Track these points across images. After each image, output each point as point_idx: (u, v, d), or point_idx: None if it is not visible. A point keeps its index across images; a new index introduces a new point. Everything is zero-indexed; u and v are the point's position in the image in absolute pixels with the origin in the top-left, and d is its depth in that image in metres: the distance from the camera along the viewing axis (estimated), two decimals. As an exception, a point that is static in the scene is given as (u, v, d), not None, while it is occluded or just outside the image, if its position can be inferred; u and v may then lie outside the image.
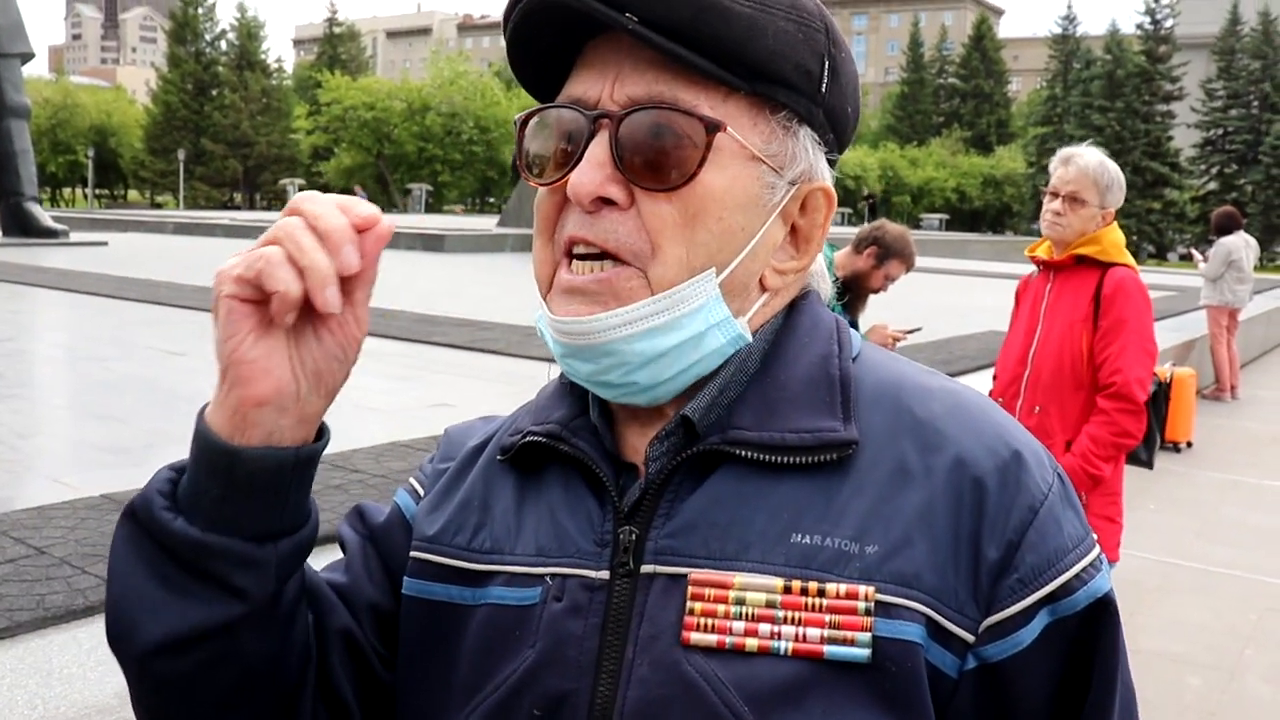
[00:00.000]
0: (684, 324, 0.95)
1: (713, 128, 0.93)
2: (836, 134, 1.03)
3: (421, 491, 1.15)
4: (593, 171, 0.93)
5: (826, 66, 0.98)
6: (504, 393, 7.42)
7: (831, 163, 1.04)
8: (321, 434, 0.96)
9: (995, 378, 4.36)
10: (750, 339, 1.00)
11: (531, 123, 1.01)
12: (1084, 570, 0.93)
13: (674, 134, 0.93)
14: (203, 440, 0.91)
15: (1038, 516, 0.92)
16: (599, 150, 0.94)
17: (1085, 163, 4.04)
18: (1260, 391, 13.55)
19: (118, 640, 0.95)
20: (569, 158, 0.96)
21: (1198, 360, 12.19)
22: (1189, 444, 9.68)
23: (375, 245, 0.89)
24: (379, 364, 8.63)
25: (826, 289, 1.10)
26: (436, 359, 8.93)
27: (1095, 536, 0.97)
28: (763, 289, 1.01)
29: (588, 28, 0.95)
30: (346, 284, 0.88)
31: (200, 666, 0.94)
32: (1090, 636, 0.93)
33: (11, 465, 5.27)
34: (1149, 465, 4.41)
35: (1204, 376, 12.36)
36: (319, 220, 0.86)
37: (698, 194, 0.94)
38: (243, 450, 0.90)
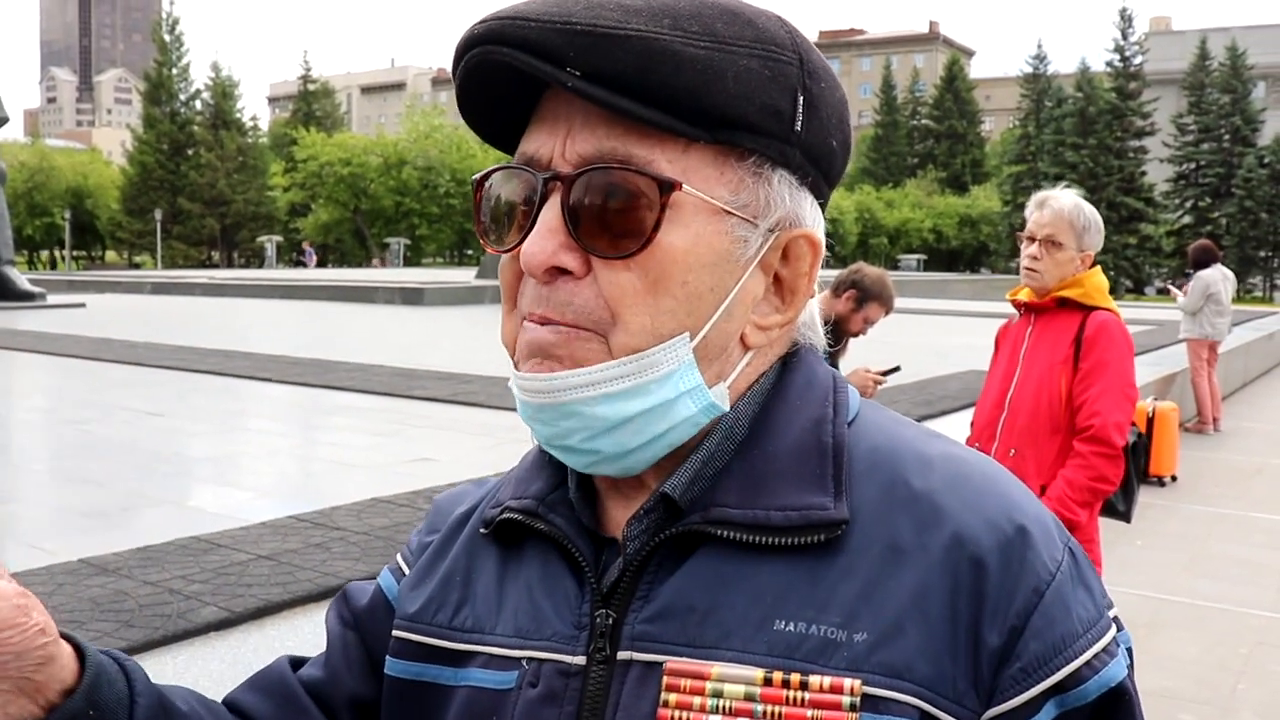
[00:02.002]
0: (651, 390, 0.88)
1: (667, 187, 0.86)
2: (822, 171, 0.95)
3: (406, 569, 1.11)
4: (544, 240, 0.87)
5: (801, 101, 0.90)
6: (486, 445, 7.38)
7: (822, 203, 0.97)
8: (84, 665, 0.89)
9: (972, 423, 4.33)
10: (727, 409, 0.93)
11: (488, 184, 0.95)
12: (1095, 657, 0.86)
13: (628, 195, 0.86)
14: None
15: (1043, 599, 0.85)
16: (551, 216, 0.87)
17: (1060, 205, 4.00)
18: (1243, 423, 13.58)
19: None
20: (525, 221, 0.89)
21: (1179, 394, 12.23)
22: (1174, 478, 9.66)
23: None
24: (359, 420, 8.58)
25: (819, 339, 1.02)
26: (417, 413, 8.87)
27: (1111, 616, 0.90)
28: (745, 348, 0.95)
29: (538, 80, 0.89)
30: None
31: None
32: None
33: (-13, 533, 5.20)
34: (1126, 519, 4.29)
35: (1186, 410, 12.39)
36: None
37: (657, 258, 0.87)
38: None
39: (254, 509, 5.40)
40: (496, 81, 0.90)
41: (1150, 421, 9.25)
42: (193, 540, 4.51)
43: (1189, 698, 5.17)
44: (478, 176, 0.95)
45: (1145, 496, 4.53)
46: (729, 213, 0.90)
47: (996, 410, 4.12)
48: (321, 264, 73.19)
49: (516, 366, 0.93)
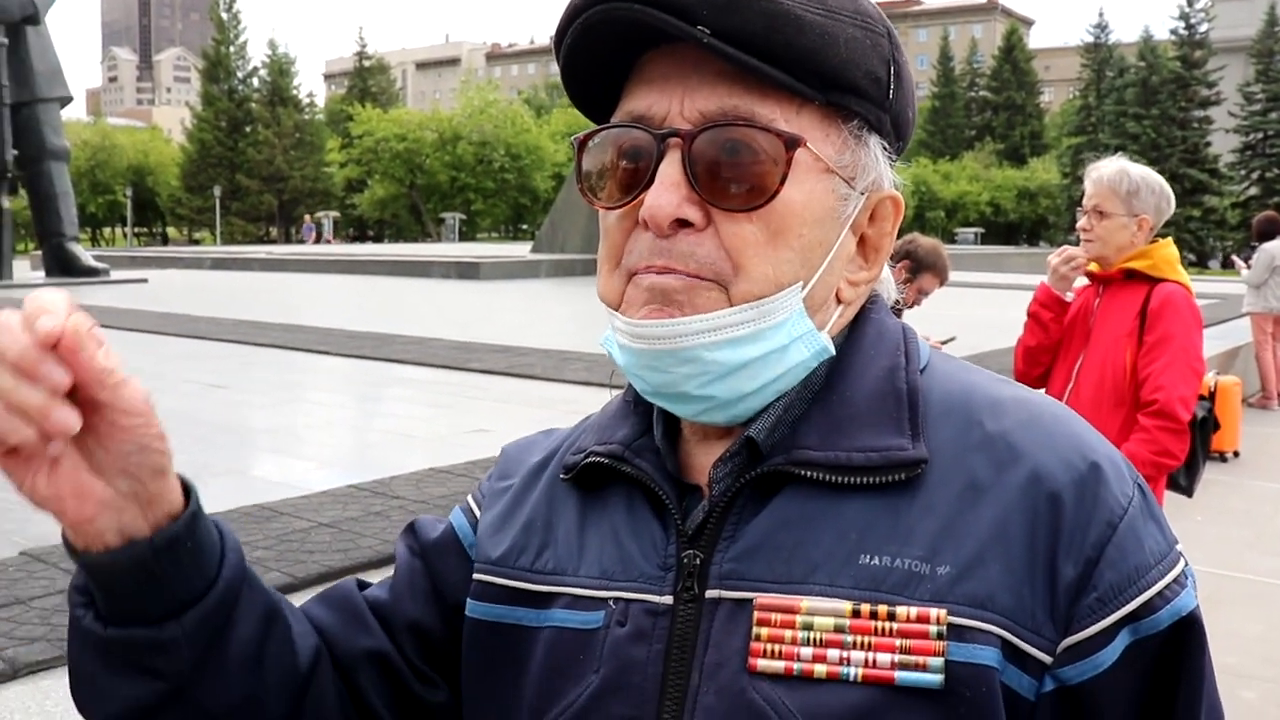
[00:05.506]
0: (768, 335, 0.92)
1: (792, 143, 0.90)
2: (901, 139, 1.01)
3: (477, 511, 1.14)
4: (668, 193, 0.90)
5: (892, 72, 0.96)
6: (542, 418, 7.42)
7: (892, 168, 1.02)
8: (189, 496, 0.94)
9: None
10: (834, 352, 0.97)
11: (592, 143, 0.98)
12: (1167, 588, 0.89)
13: (752, 151, 0.90)
14: (69, 553, 0.92)
15: (1117, 532, 0.88)
16: (672, 170, 0.91)
17: (1101, 174, 3.99)
18: (1308, 397, 13.31)
19: (82, 714, 0.99)
20: (636, 179, 0.93)
21: (1243, 368, 12.03)
22: (1236, 453, 9.53)
23: (74, 353, 0.80)
24: (417, 392, 8.66)
25: (892, 293, 1.08)
26: (474, 385, 8.94)
27: (1180, 549, 0.93)
28: (839, 302, 0.99)
29: (647, 40, 0.92)
30: (78, 394, 0.82)
31: None
32: (1174, 657, 0.89)
33: (57, 501, 5.32)
34: (1188, 493, 4.24)
35: (1249, 385, 12.19)
36: (3, 353, 0.79)
37: (779, 212, 0.91)
38: (98, 559, 0.89)
39: (315, 478, 5.48)
40: (606, 43, 0.93)
41: (1212, 396, 9.13)
42: (256, 508, 4.58)
43: (1251, 674, 5.11)
44: (580, 137, 0.98)
45: (1208, 472, 4.46)
46: (834, 172, 0.95)
47: (1064, 381, 4.10)
48: (366, 238, 73.42)
49: (626, 314, 0.95)
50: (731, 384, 0.94)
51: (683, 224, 0.91)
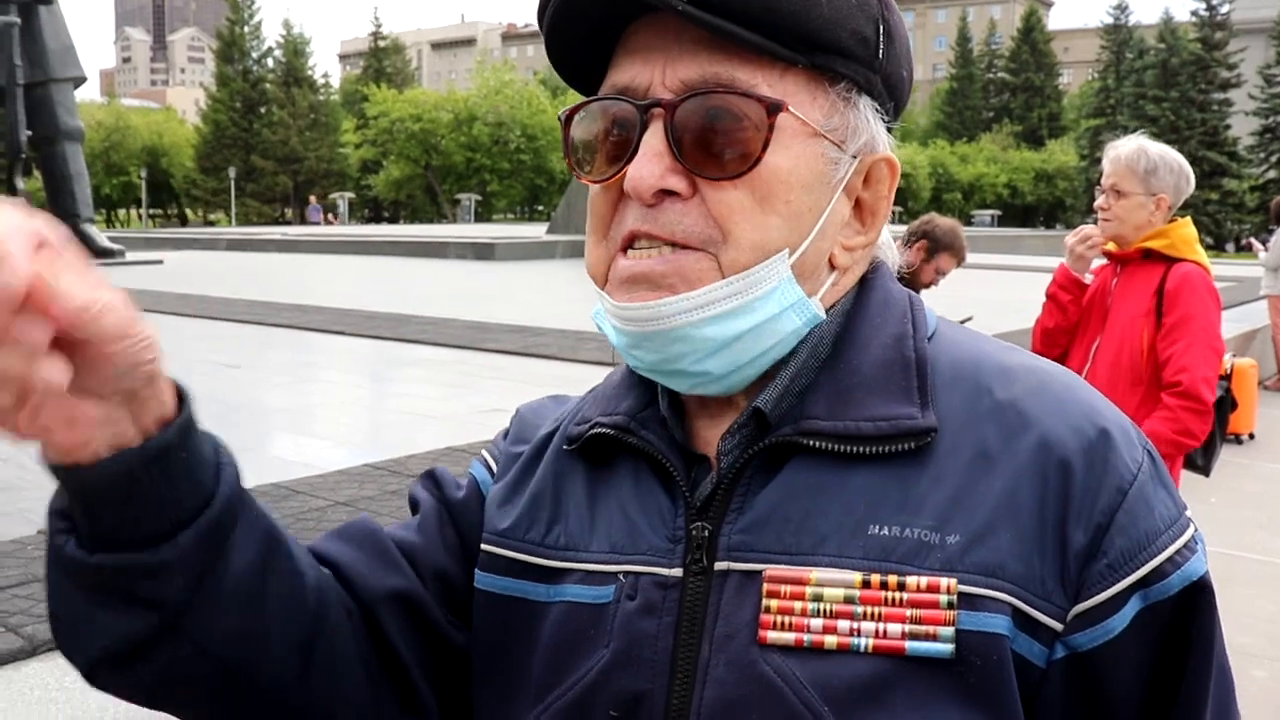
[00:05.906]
0: (757, 307, 0.92)
1: (774, 108, 0.89)
2: (894, 100, 0.99)
3: (494, 466, 1.14)
4: (651, 164, 0.90)
5: (881, 31, 0.94)
6: (557, 398, 7.42)
7: (890, 130, 1.00)
8: (183, 402, 0.85)
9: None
10: (825, 318, 0.96)
11: (578, 117, 0.97)
12: (1177, 553, 0.88)
13: (733, 118, 0.89)
14: (50, 470, 0.83)
15: (1127, 498, 0.88)
16: (655, 141, 0.90)
17: (1119, 152, 3.98)
18: (1325, 381, 13.24)
19: (66, 656, 0.92)
20: (621, 151, 0.93)
21: (1259, 351, 11.97)
22: (1251, 435, 9.49)
23: (46, 306, 0.69)
24: (432, 372, 8.67)
25: (895, 258, 1.07)
26: (489, 365, 8.95)
27: (1190, 515, 0.93)
28: (832, 268, 0.98)
29: (629, 10, 0.91)
30: (32, 304, 0.68)
31: (162, 668, 0.89)
32: (1185, 622, 0.89)
33: (75, 479, 5.35)
34: (1205, 472, 4.24)
35: (1265, 367, 12.13)
36: None
37: (764, 177, 0.90)
38: (85, 472, 0.80)
39: (331, 457, 5.50)
40: (586, 15, 0.93)
41: (1228, 378, 9.08)
42: (272, 487, 4.60)
43: (1261, 654, 5.11)
44: (566, 112, 0.98)
45: (1222, 454, 4.46)
46: (822, 136, 0.93)
47: (1081, 361, 4.09)
48: (381, 219, 73.33)
49: (611, 295, 0.95)
50: (726, 357, 0.93)
51: (668, 194, 0.91)
